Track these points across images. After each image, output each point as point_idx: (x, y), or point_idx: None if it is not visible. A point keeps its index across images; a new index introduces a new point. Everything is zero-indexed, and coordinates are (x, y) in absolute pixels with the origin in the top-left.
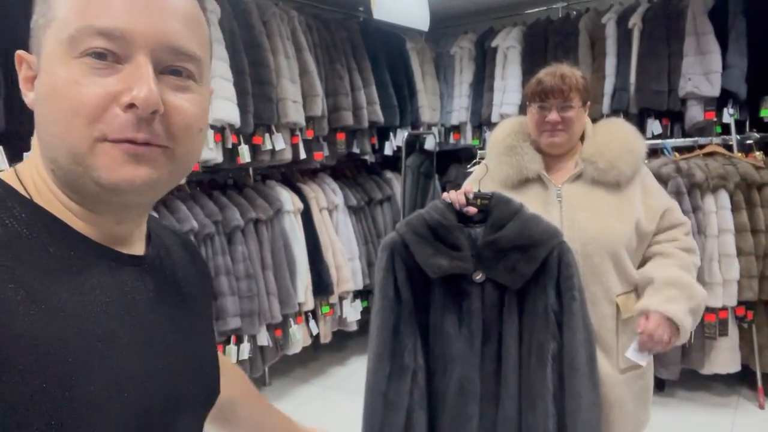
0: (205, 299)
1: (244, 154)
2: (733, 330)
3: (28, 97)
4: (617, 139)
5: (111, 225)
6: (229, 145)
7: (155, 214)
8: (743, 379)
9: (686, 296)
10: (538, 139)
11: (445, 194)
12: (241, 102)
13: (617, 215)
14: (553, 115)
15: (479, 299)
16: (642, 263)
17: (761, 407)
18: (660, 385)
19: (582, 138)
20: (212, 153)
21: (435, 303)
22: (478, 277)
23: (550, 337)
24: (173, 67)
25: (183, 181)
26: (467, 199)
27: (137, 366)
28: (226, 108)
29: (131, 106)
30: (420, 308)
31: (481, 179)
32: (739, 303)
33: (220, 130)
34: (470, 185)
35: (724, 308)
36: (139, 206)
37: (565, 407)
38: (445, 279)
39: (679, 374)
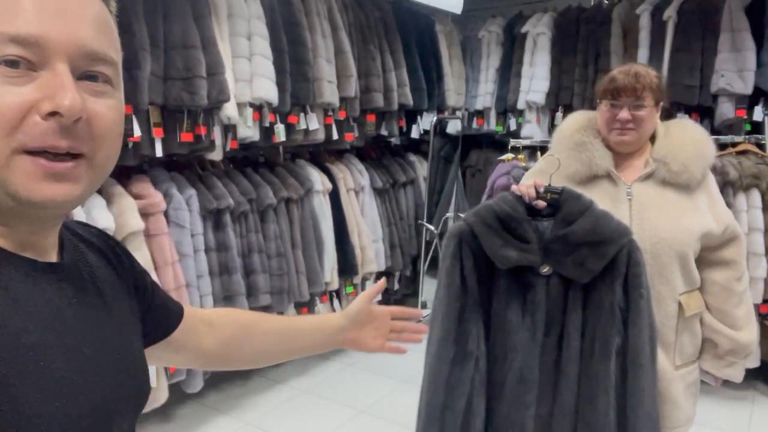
0: (127, 297)
1: (280, 133)
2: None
3: None
4: (691, 143)
5: (25, 235)
6: (267, 124)
7: (192, 190)
8: (760, 375)
9: (742, 357)
10: (608, 136)
11: (514, 186)
12: (280, 80)
13: (687, 218)
14: (624, 114)
15: (544, 291)
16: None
17: None
18: None
19: (652, 137)
20: (250, 131)
21: (499, 292)
22: (545, 270)
23: (615, 332)
24: (89, 72)
25: (220, 157)
26: (537, 192)
27: (70, 373)
28: (265, 86)
29: (53, 114)
30: (483, 297)
31: (536, 171)
32: (764, 301)
33: (258, 108)
34: (539, 179)
35: None
36: (55, 217)
37: (627, 401)
38: (511, 270)
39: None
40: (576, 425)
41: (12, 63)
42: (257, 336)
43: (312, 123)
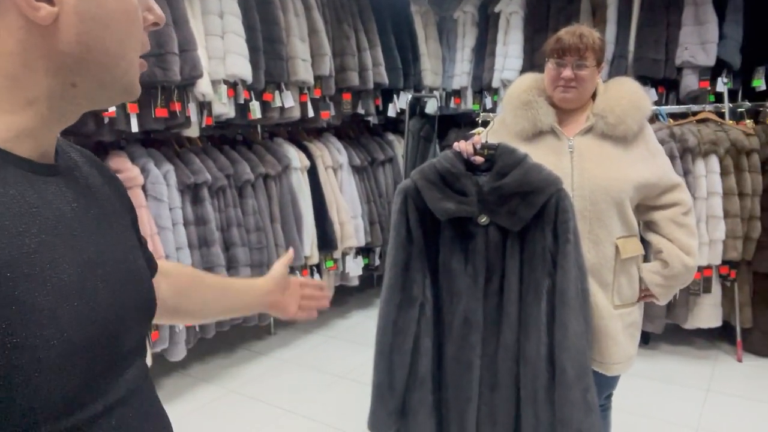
0: (126, 215)
1: (256, 110)
2: (716, 287)
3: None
4: (626, 96)
5: (50, 135)
6: (241, 101)
7: (169, 165)
8: (723, 334)
9: (680, 284)
10: (552, 93)
11: (455, 144)
12: (253, 58)
13: (623, 167)
14: (568, 72)
15: (483, 240)
16: (648, 220)
17: (739, 360)
18: (645, 339)
19: (594, 95)
20: (225, 108)
21: (444, 243)
22: (483, 220)
23: (546, 274)
24: None
25: (196, 134)
26: (475, 149)
27: (78, 276)
28: (238, 63)
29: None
30: (430, 248)
31: (489, 131)
32: (723, 262)
33: (232, 85)
34: (478, 137)
35: (709, 267)
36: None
37: (555, 336)
38: (453, 221)
39: (663, 328)
40: (518, 360)
41: None
42: (202, 288)
43: (287, 101)
